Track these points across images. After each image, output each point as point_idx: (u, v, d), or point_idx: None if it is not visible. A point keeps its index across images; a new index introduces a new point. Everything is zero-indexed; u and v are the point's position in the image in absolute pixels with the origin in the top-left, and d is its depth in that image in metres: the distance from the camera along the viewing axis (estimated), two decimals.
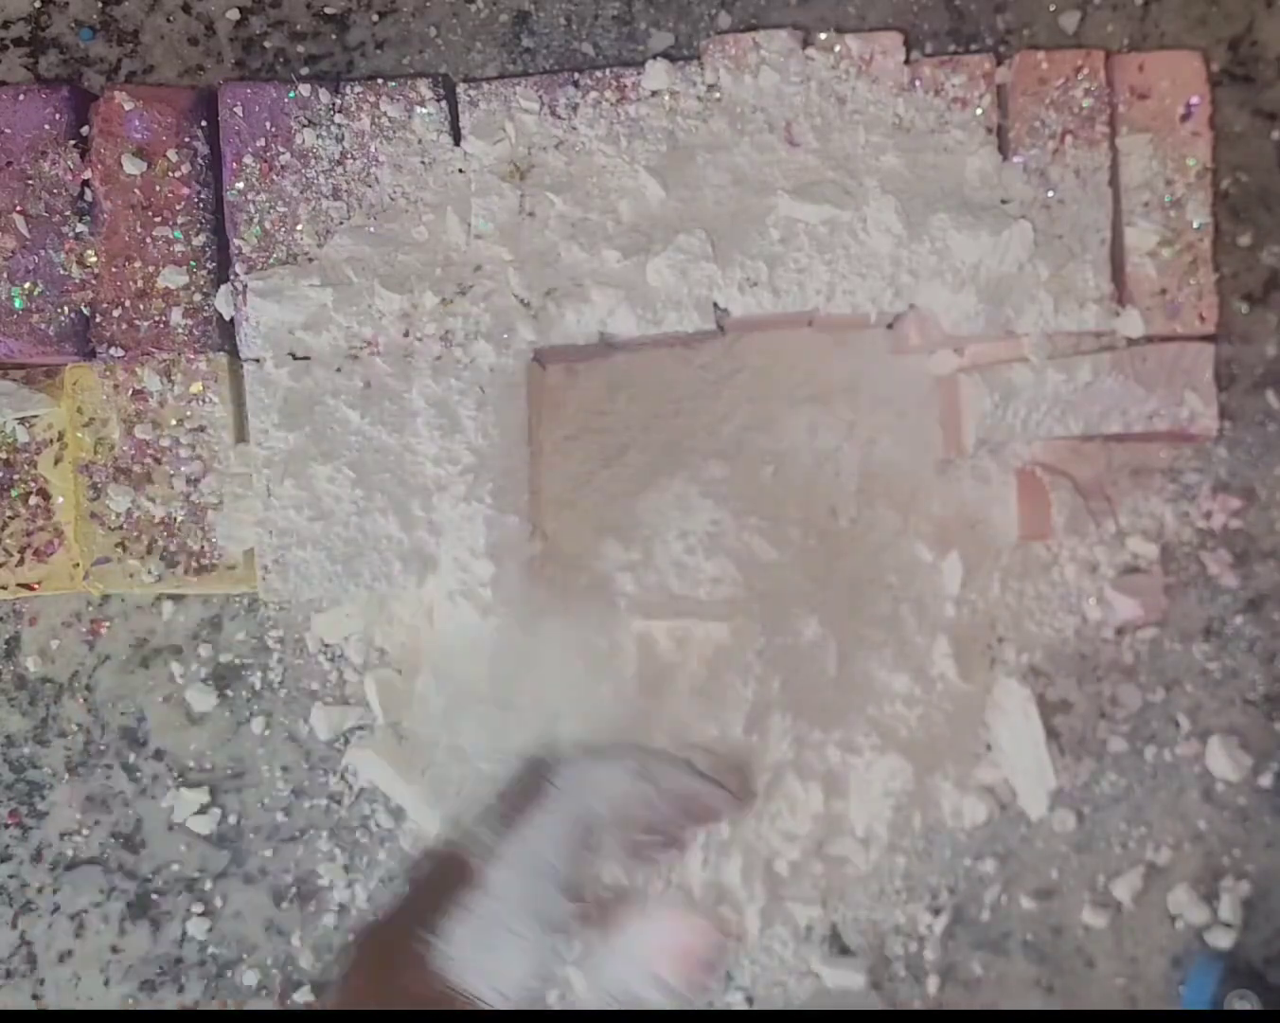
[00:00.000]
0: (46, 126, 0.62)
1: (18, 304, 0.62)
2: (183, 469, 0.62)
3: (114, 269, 0.62)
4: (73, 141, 0.62)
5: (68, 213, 0.62)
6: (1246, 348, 0.65)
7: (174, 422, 0.62)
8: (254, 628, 0.67)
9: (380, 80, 0.62)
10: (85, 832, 0.67)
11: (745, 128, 0.61)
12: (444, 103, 0.62)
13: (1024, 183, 0.61)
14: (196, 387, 0.62)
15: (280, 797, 0.67)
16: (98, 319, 0.62)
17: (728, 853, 0.64)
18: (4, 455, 0.64)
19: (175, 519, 0.62)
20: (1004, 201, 0.61)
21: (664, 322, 0.60)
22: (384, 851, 0.67)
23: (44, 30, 0.65)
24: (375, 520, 0.60)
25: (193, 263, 0.62)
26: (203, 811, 0.67)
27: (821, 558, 0.66)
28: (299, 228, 0.61)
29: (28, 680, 0.67)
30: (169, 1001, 0.67)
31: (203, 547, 0.62)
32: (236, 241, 0.61)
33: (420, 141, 0.62)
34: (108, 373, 0.62)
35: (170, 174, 0.62)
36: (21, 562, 0.64)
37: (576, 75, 0.62)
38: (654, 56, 0.62)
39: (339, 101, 0.62)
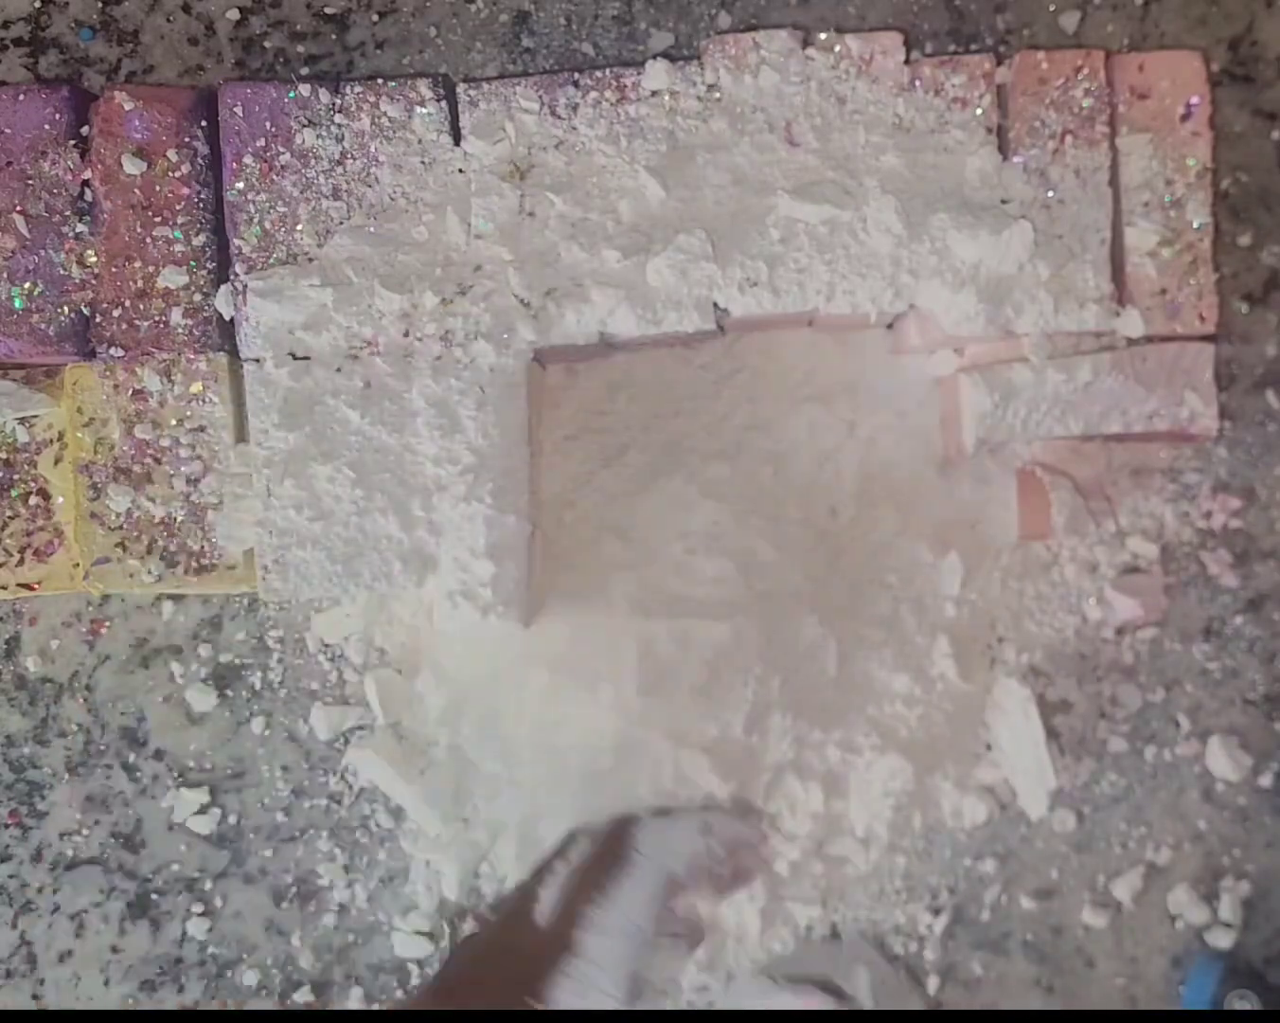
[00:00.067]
0: (46, 126, 0.62)
1: (18, 304, 0.62)
2: (183, 469, 0.62)
3: (114, 269, 0.61)
4: (73, 141, 0.62)
5: (68, 213, 0.62)
6: (1246, 348, 0.65)
7: (174, 422, 0.62)
8: (254, 628, 0.67)
9: (380, 80, 0.62)
10: (85, 832, 0.67)
11: (745, 128, 0.61)
12: (444, 103, 0.62)
13: (1024, 183, 0.61)
14: (196, 387, 0.62)
15: (280, 797, 0.67)
16: (98, 319, 0.62)
17: None
18: (4, 455, 0.64)
19: (175, 519, 0.62)
20: (1004, 201, 0.61)
21: (664, 322, 0.60)
22: (384, 850, 0.67)
23: (44, 30, 0.65)
24: (375, 520, 0.60)
25: (193, 263, 0.62)
26: (203, 811, 0.67)
27: (821, 558, 0.66)
28: (299, 228, 0.61)
29: (28, 680, 0.67)
30: (169, 1001, 0.67)
31: (203, 547, 0.62)
32: (236, 242, 0.61)
33: (420, 141, 0.62)
34: (108, 373, 0.62)
35: (170, 174, 0.62)
36: (21, 562, 0.64)
37: (576, 75, 0.62)
38: (654, 56, 0.62)
39: (339, 101, 0.62)
